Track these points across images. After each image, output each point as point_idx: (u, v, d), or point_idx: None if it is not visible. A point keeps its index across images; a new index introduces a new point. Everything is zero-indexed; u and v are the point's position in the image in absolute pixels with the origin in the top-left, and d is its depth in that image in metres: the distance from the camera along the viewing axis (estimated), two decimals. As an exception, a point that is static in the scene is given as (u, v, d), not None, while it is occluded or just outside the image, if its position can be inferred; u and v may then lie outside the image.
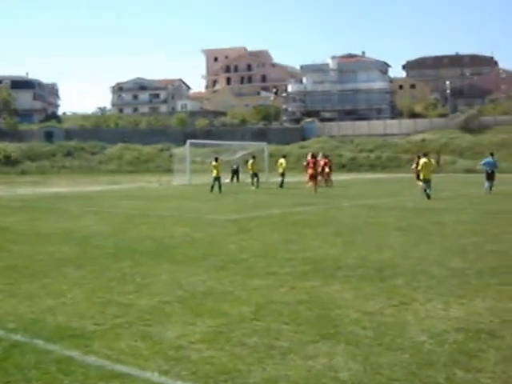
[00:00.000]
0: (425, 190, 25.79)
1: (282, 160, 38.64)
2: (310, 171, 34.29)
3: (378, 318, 6.94)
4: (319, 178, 35.11)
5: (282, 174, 37.16)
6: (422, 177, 26.68)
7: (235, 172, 44.14)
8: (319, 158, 37.87)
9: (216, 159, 33.63)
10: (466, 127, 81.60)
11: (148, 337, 6.26)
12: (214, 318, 6.95)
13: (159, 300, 7.81)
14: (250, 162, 38.28)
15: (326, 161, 38.80)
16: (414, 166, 34.41)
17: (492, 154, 31.83)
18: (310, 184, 33.59)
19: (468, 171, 64.09)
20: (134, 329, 6.55)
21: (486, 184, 29.87)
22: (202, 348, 5.90)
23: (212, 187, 31.86)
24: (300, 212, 20.36)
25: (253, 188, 35.63)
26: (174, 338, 6.22)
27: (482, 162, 31.93)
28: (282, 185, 36.18)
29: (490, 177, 30.07)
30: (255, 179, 37.12)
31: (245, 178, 42.92)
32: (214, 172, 32.38)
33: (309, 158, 36.03)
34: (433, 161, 27.65)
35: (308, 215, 19.30)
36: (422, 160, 27.10)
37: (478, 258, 10.75)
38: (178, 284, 8.77)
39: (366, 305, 7.52)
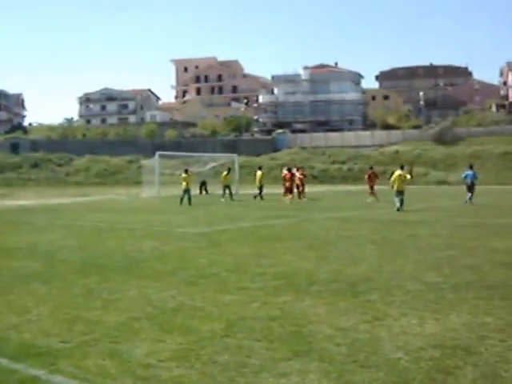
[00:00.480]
0: (397, 203, 26.53)
1: (259, 172, 38.58)
2: (288, 184, 34.44)
3: (352, 334, 6.91)
4: (295, 190, 35.24)
5: (260, 187, 37.34)
6: (395, 189, 27.05)
7: (203, 184, 44.07)
8: (294, 170, 37.77)
9: (186, 171, 33.54)
10: (440, 139, 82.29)
11: (116, 355, 6.17)
12: (184, 334, 6.88)
13: (127, 316, 7.71)
14: (224, 174, 37.83)
15: (302, 173, 38.54)
16: (366, 177, 36.61)
17: (471, 167, 33.34)
18: (289, 197, 33.73)
19: (440, 183, 64.79)
20: (102, 346, 6.46)
21: (467, 195, 31.21)
22: (172, 366, 5.83)
23: (181, 199, 31.75)
24: (271, 225, 20.34)
25: (222, 200, 35.33)
26: (142, 355, 6.14)
27: (463, 175, 33.27)
28: (259, 196, 36.54)
29: (470, 188, 31.48)
30: (227, 191, 36.76)
31: (215, 189, 42.95)
32: (184, 184, 32.29)
33: (285, 171, 36.12)
34: (408, 176, 28.35)
35: (279, 228, 19.30)
36: (397, 172, 27.57)
37: (453, 272, 10.79)
38: (146, 300, 8.67)
39: (339, 320, 7.49)
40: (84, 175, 73.70)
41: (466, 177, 32.58)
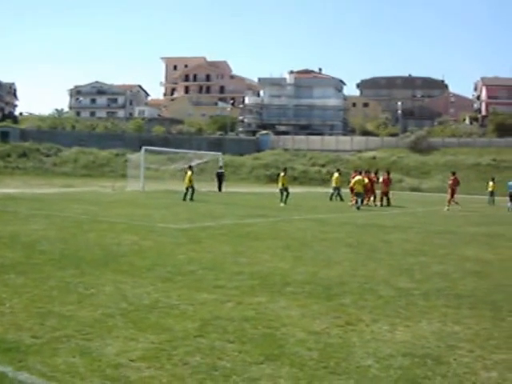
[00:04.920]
0: (356, 202, 30.46)
1: (336, 174, 37.72)
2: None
3: (324, 338, 6.72)
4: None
5: (337, 188, 36.71)
6: (355, 191, 30.76)
7: (220, 176, 43.63)
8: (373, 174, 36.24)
9: (190, 167, 33.73)
10: (415, 147, 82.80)
11: (87, 353, 5.89)
12: (157, 333, 6.62)
13: (101, 312, 7.43)
14: (282, 174, 32.42)
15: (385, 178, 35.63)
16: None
17: None
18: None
19: (414, 189, 65.12)
20: (73, 343, 6.17)
21: (509, 204, 33.33)
22: (142, 367, 5.57)
23: (186, 196, 31.65)
24: (251, 224, 20.11)
25: (282, 205, 30.06)
26: (113, 354, 5.87)
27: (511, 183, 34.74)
28: (341, 197, 36.20)
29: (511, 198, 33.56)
30: (284, 194, 31.15)
31: (200, 186, 42.65)
32: (187, 181, 32.24)
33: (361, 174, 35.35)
34: (366, 180, 31.80)
35: (259, 227, 19.07)
36: (357, 177, 31.55)
37: (424, 279, 10.67)
38: (122, 296, 8.40)
39: (312, 324, 7.29)
40: (71, 166, 72.73)
41: (509, 186, 34.28)
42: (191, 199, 31.37)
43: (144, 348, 6.10)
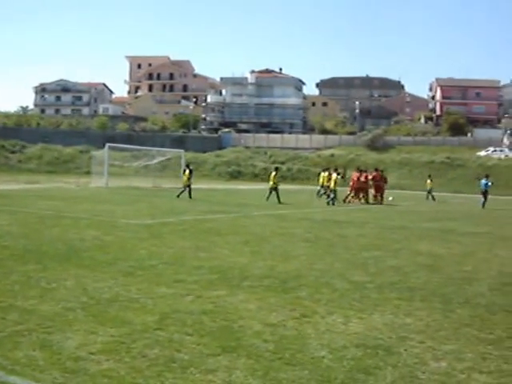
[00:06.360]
0: (332, 199, 30.69)
1: (323, 173, 36.16)
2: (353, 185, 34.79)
3: (280, 330, 6.74)
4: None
5: (323, 186, 35.60)
6: (331, 187, 31.08)
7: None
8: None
9: (188, 166, 33.69)
10: (372, 145, 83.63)
11: (47, 346, 5.82)
12: (117, 326, 6.57)
13: (62, 306, 7.35)
14: (273, 174, 31.91)
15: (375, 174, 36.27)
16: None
17: (487, 176, 35.80)
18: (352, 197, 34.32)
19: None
20: (34, 337, 6.09)
21: (481, 200, 33.98)
22: (102, 359, 5.52)
23: (190, 194, 31.44)
24: (212, 219, 20.07)
25: (266, 201, 30.40)
26: (73, 347, 5.81)
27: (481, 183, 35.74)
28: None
29: (484, 195, 34.37)
30: (273, 193, 31.04)
31: (161, 183, 42.30)
32: (186, 180, 32.21)
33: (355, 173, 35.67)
34: (338, 176, 31.73)
35: (219, 223, 19.03)
36: (334, 175, 31.74)
37: (378, 272, 10.76)
38: (83, 290, 8.31)
39: (269, 316, 7.31)
40: (36, 163, 71.59)
41: (480, 184, 35.35)
42: (178, 196, 31.24)
43: (104, 341, 6.05)
